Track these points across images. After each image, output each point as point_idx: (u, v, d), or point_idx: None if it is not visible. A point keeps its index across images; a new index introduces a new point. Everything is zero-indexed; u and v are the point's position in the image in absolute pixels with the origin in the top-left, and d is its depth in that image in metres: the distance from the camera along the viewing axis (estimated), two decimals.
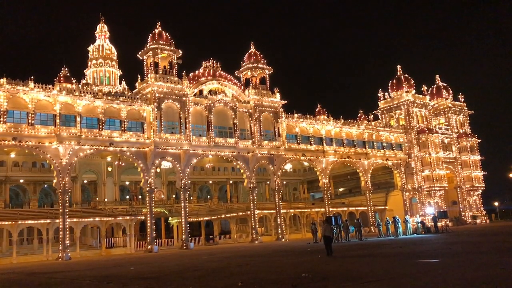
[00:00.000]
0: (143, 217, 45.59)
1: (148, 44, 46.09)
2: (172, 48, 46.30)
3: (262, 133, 50.59)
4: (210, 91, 48.82)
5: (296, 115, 54.84)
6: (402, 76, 68.82)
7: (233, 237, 53.77)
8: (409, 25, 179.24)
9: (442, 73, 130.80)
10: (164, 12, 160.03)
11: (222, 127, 48.55)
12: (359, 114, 71.48)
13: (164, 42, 46.10)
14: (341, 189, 75.77)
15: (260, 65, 52.46)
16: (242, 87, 51.73)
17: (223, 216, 53.95)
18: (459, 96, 77.56)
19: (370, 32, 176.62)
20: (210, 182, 67.61)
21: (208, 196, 68.54)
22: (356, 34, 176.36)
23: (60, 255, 37.75)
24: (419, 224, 45.42)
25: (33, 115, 38.04)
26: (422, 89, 70.14)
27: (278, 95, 52.67)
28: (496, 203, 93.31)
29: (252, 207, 49.73)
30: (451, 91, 76.63)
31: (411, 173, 64.89)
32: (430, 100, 71.17)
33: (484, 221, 72.17)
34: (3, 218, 39.83)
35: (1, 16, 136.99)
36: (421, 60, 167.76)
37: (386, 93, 69.76)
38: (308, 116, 56.41)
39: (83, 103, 40.60)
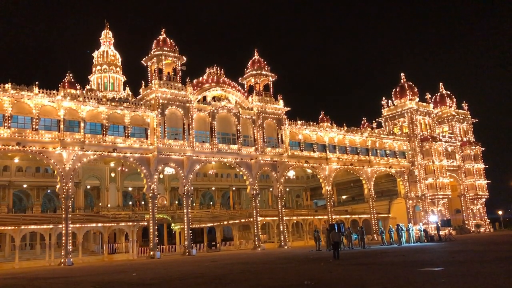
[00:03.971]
0: (145, 223, 45.55)
1: (153, 50, 46.28)
2: (176, 54, 46.48)
3: (265, 140, 50.58)
4: (213, 98, 48.92)
5: (299, 122, 54.84)
6: (405, 84, 68.75)
7: (236, 244, 53.65)
8: (413, 33, 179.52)
9: (445, 81, 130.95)
10: (168, 19, 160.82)
11: (225, 133, 48.58)
12: (362, 122, 71.44)
13: (168, 49, 46.29)
14: (344, 197, 75.54)
15: (263, 72, 52.57)
16: (246, 94, 51.82)
17: (225, 222, 53.86)
18: (463, 104, 77.41)
19: (374, 39, 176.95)
20: (213, 188, 67.58)
21: (211, 203, 68.48)
22: (360, 41, 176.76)
23: (62, 260, 37.71)
24: (422, 232, 45.22)
25: (37, 120, 38.15)
26: (426, 97, 70.01)
27: (281, 102, 52.72)
28: (500, 212, 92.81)
29: (254, 214, 49.64)
30: (454, 99, 76.50)
31: (414, 181, 64.66)
32: (433, 108, 71.03)
33: (487, 230, 71.75)
34: (6, 223, 39.90)
35: (6, 22, 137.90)
36: (425, 68, 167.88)
37: (389, 101, 69.67)
38: (311, 123, 56.36)
39: (87, 109, 40.72)
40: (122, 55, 68.46)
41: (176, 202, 60.15)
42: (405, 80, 69.59)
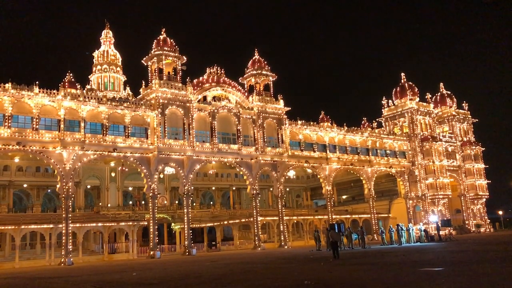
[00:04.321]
0: (145, 223, 45.54)
1: (153, 50, 46.29)
2: (176, 54, 46.49)
3: (265, 140, 50.59)
4: (214, 98, 48.95)
5: (299, 122, 54.85)
6: (406, 84, 68.75)
7: (236, 244, 53.64)
8: (414, 32, 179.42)
9: (446, 81, 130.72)
10: (169, 18, 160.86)
11: (226, 133, 48.58)
12: (362, 122, 71.43)
13: (169, 48, 46.30)
14: (344, 197, 75.55)
15: (264, 72, 52.58)
16: (246, 94, 51.82)
17: (225, 222, 53.86)
18: (463, 104, 77.43)
19: (375, 39, 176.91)
20: (213, 188, 67.56)
21: (211, 202, 68.47)
22: (360, 41, 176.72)
23: (62, 260, 37.72)
24: (423, 232, 45.24)
25: (37, 120, 38.16)
26: (426, 97, 70.02)
27: (281, 102, 52.73)
28: (500, 212, 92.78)
29: (255, 213, 49.64)
30: (455, 99, 76.51)
31: (414, 181, 64.66)
32: (434, 108, 71.04)
33: (488, 230, 71.75)
34: (6, 223, 39.90)
35: (6, 21, 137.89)
36: (425, 68, 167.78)
37: (390, 101, 69.67)
38: (311, 123, 56.37)
39: (87, 109, 40.73)
40: (122, 54, 68.48)
41: (176, 202, 60.15)
42: (405, 80, 69.61)
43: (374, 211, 60.73)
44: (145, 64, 46.90)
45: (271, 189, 62.25)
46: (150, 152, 43.27)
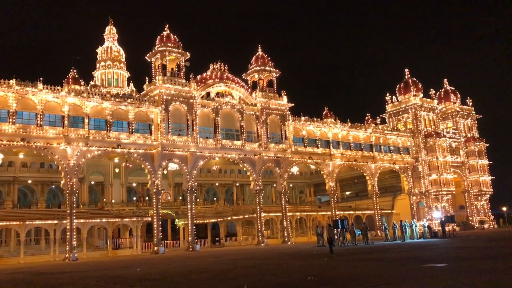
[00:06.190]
0: (149, 219, 45.71)
1: (156, 46, 46.33)
2: (180, 50, 46.53)
3: (269, 136, 50.62)
4: (217, 94, 48.98)
5: (303, 118, 54.84)
6: (410, 80, 68.61)
7: (239, 240, 53.78)
8: (418, 28, 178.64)
9: (450, 77, 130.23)
10: (172, 15, 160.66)
11: (229, 129, 48.64)
12: (366, 118, 71.34)
13: (172, 45, 46.34)
14: (347, 193, 75.53)
15: (267, 68, 52.55)
16: (249, 90, 51.83)
17: (229, 218, 53.98)
18: (467, 100, 77.25)
19: (378, 35, 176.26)
20: (217, 184, 67.62)
21: (215, 198, 68.54)
22: (364, 37, 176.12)
23: (67, 255, 37.94)
24: (426, 228, 45.22)
25: (41, 116, 38.32)
26: (430, 93, 69.86)
27: (285, 98, 52.71)
28: (504, 208, 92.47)
29: (258, 209, 49.74)
30: (459, 95, 76.35)
31: (418, 177, 64.62)
32: (438, 104, 70.85)
33: (492, 226, 71.66)
34: (11, 218, 40.11)
35: (10, 18, 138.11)
36: (429, 64, 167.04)
37: (393, 97, 69.59)
38: (315, 119, 56.41)
39: (91, 105, 40.86)
40: (126, 51, 68.50)
41: (180, 198, 60.23)
42: (409, 76, 69.44)
43: (378, 207, 60.75)
44: (149, 60, 46.97)
45: (274, 185, 62.29)
46: (154, 148, 43.36)
